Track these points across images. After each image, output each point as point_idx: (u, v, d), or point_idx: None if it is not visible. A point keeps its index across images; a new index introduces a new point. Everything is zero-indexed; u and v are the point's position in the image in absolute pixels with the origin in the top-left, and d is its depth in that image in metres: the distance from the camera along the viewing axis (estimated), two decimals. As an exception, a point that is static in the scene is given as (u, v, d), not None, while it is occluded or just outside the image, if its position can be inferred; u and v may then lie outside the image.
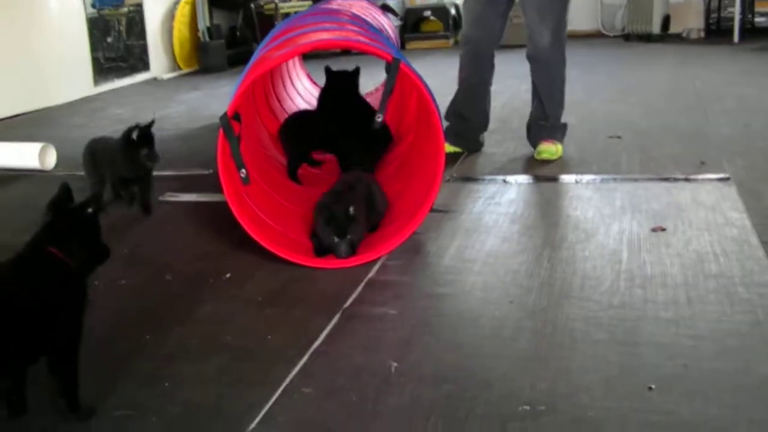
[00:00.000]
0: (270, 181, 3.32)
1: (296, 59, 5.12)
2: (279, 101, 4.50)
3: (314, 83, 5.12)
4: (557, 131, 3.92)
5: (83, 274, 1.86)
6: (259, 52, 3.30)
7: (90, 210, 1.90)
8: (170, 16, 7.87)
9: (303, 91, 4.93)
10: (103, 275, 2.69)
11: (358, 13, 4.10)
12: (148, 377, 2.05)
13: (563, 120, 3.97)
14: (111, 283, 2.67)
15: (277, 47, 3.05)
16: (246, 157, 2.81)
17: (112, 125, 5.42)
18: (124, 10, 7.62)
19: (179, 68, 7.95)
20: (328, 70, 3.82)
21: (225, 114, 2.67)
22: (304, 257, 2.74)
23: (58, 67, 6.46)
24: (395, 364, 2.03)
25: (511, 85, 5.75)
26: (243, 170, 2.74)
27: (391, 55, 2.75)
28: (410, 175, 3.23)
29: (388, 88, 2.77)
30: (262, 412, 1.84)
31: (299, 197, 3.29)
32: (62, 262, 1.80)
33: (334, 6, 4.47)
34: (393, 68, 2.74)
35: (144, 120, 3.36)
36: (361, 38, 3.08)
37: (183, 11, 7.95)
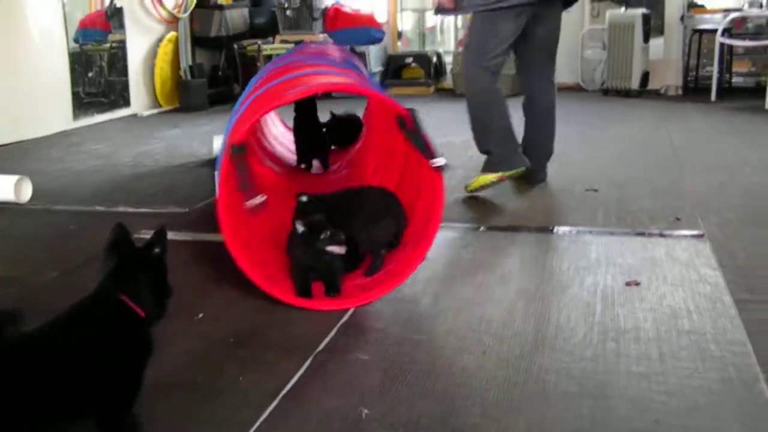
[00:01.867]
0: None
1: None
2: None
3: (287, 127, 5.16)
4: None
5: (152, 324, 1.75)
6: (252, 90, 3.28)
7: (157, 250, 1.76)
8: (153, 53, 7.89)
9: (280, 137, 4.96)
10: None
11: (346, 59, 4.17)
12: (115, 416, 2.02)
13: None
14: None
15: (285, 83, 3.05)
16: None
17: (90, 160, 5.43)
18: (107, 46, 7.64)
19: (160, 105, 7.95)
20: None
21: (241, 145, 2.65)
22: (301, 300, 2.74)
23: (38, 100, 6.45)
24: (366, 410, 2.01)
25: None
26: (249, 202, 2.73)
27: (406, 109, 2.74)
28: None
29: (418, 137, 2.74)
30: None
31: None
32: (133, 311, 1.69)
33: (323, 51, 4.52)
34: (413, 118, 2.73)
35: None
36: (370, 86, 3.09)
37: (165, 49, 7.97)
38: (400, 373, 2.23)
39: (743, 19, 8.42)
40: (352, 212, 2.89)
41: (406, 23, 9.80)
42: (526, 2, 4.03)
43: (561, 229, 3.54)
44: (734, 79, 8.48)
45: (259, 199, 2.73)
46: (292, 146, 4.67)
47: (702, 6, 8.61)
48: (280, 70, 3.50)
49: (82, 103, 7.12)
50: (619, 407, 2.02)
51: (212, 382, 2.20)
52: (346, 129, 4.86)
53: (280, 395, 2.10)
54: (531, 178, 4.33)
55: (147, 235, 3.49)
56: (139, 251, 1.76)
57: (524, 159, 4.19)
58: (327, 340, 2.45)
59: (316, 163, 4.54)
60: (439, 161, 2.74)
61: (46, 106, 6.58)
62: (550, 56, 4.39)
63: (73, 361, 1.59)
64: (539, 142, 4.41)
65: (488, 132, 4.17)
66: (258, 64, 8.22)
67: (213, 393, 2.13)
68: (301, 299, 2.72)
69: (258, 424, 1.96)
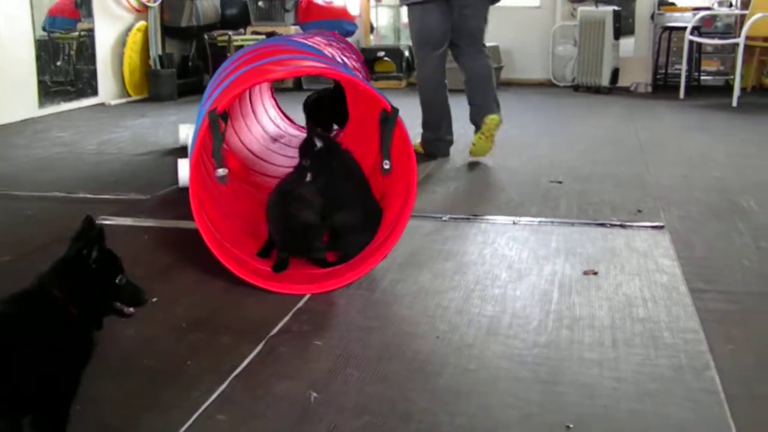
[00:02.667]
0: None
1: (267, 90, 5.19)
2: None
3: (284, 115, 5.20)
4: None
5: (87, 325, 1.67)
6: (237, 65, 3.23)
7: (86, 251, 1.68)
8: (122, 42, 7.80)
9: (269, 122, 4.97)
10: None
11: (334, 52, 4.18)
12: (60, 398, 1.99)
13: None
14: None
15: (274, 64, 3.02)
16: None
17: (53, 147, 5.37)
18: (75, 34, 7.55)
19: (128, 95, 7.87)
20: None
21: (214, 110, 2.61)
22: (272, 283, 2.72)
23: (2, 87, 6.35)
24: (315, 394, 2.00)
25: (457, 128, 5.79)
26: (222, 169, 2.72)
27: (390, 105, 2.74)
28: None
29: (388, 137, 2.76)
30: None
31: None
32: (65, 309, 1.61)
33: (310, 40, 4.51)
34: (392, 118, 2.74)
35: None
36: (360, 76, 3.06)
37: (135, 38, 7.89)
38: (352, 357, 2.22)
39: (713, 18, 8.49)
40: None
41: (381, 18, 9.78)
42: None
43: (523, 219, 3.54)
44: (703, 78, 8.54)
45: (222, 171, 2.72)
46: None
47: (672, 4, 8.66)
48: (267, 50, 3.47)
49: (48, 91, 7.04)
50: (569, 393, 2.01)
51: (162, 366, 2.17)
52: (337, 102, 4.82)
53: (230, 378, 2.08)
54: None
55: (107, 221, 3.49)
56: (84, 248, 1.68)
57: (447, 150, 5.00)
58: (281, 324, 2.43)
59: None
60: (387, 164, 2.79)
61: (11, 94, 6.49)
62: (479, 38, 4.87)
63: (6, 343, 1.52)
64: (480, 104, 4.86)
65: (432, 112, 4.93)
66: (228, 54, 8.16)
67: (162, 376, 2.11)
68: (266, 281, 2.70)
69: (205, 406, 1.94)
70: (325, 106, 4.98)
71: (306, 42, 3.93)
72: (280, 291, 2.68)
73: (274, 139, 4.76)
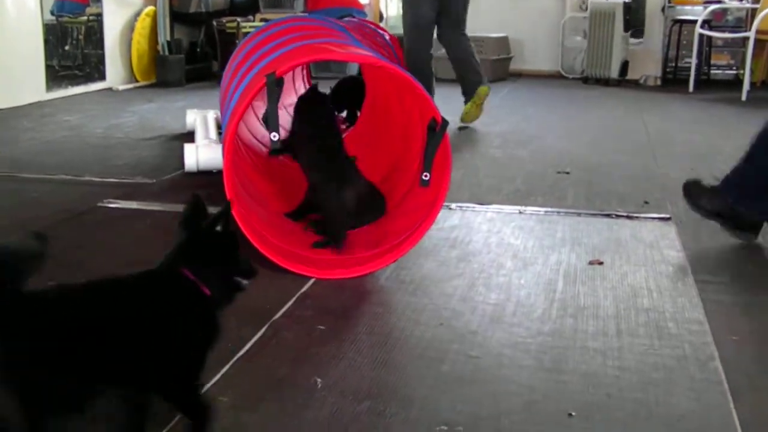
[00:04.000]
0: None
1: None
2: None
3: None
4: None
5: (219, 305, 1.65)
6: (274, 43, 3.19)
7: (221, 227, 1.65)
8: (130, 27, 7.80)
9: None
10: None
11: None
12: (63, 378, 1.99)
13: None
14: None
15: (334, 45, 2.99)
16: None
17: (60, 131, 5.37)
18: (84, 18, 7.55)
19: (136, 80, 7.87)
20: None
21: (273, 73, 2.56)
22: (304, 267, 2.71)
23: (10, 71, 6.36)
24: (318, 378, 1.99)
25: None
26: (275, 134, 2.68)
27: (441, 116, 2.70)
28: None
29: (433, 148, 2.73)
30: (176, 418, 1.79)
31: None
32: (198, 289, 1.59)
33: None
34: (441, 130, 2.70)
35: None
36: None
37: (143, 24, 7.89)
38: (355, 343, 2.21)
39: (723, 11, 8.44)
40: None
41: (391, 8, 9.76)
42: None
43: (529, 209, 3.53)
44: (713, 71, 8.51)
45: (275, 135, 2.69)
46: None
47: (684, -3, 8.62)
48: (315, 30, 3.46)
49: (56, 76, 7.04)
50: (572, 381, 2.01)
51: (165, 348, 2.16)
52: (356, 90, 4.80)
53: (232, 361, 2.08)
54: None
55: (112, 204, 3.49)
56: (208, 227, 1.66)
57: None
58: (284, 309, 2.42)
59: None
60: (427, 176, 2.76)
61: (19, 77, 6.49)
62: (460, 20, 5.60)
63: (121, 322, 1.51)
64: (465, 78, 5.61)
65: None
66: (237, 41, 8.15)
67: (164, 358, 2.10)
68: (287, 260, 2.70)
69: (208, 386, 1.93)
70: (344, 94, 4.95)
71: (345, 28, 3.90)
72: (296, 271, 2.68)
73: None
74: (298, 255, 2.77)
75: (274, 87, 2.59)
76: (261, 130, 4.34)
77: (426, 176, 2.76)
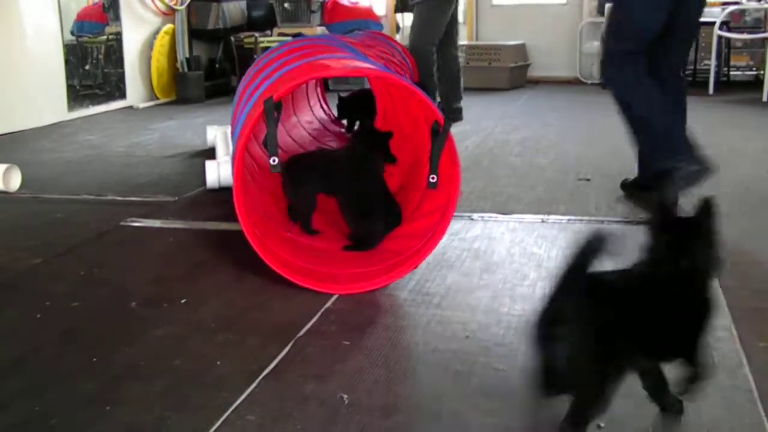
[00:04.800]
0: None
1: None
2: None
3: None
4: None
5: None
6: (277, 64, 3.22)
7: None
8: (149, 45, 7.87)
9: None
10: (55, 295, 2.70)
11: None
12: (92, 398, 2.00)
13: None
14: (63, 303, 2.63)
15: (330, 61, 3.03)
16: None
17: (82, 150, 5.42)
18: (103, 38, 7.62)
19: (156, 98, 7.93)
20: None
21: (270, 98, 2.60)
22: (322, 284, 2.72)
23: (32, 91, 6.43)
24: (345, 394, 1.99)
25: (486, 126, 5.79)
26: (274, 158, 2.72)
27: (443, 117, 2.72)
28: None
29: (438, 150, 2.74)
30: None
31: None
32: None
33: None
34: (443, 131, 2.72)
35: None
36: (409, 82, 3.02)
37: (162, 41, 7.96)
38: (381, 357, 2.21)
39: (741, 13, 8.40)
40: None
41: (407, 19, 9.77)
42: None
43: (552, 217, 3.52)
44: (732, 73, 8.46)
45: (274, 160, 2.72)
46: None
47: (701, -1, 8.56)
48: (317, 47, 3.49)
49: (77, 95, 7.10)
50: (600, 392, 1.99)
51: (191, 367, 2.17)
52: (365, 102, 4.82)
53: (258, 379, 2.08)
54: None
55: (135, 222, 3.51)
56: (693, 222, 1.84)
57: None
58: (309, 325, 2.43)
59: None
60: (434, 178, 2.77)
61: (40, 98, 6.56)
62: (457, 40, 6.26)
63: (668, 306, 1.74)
64: (450, 95, 6.12)
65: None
66: (255, 56, 8.19)
67: (191, 377, 2.11)
68: (304, 278, 2.72)
69: (234, 407, 1.94)
70: (355, 105, 5.01)
71: (348, 44, 3.92)
72: (318, 289, 2.68)
73: (314, 138, 4.78)
74: (317, 272, 2.77)
75: (272, 112, 2.62)
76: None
77: (433, 179, 2.77)
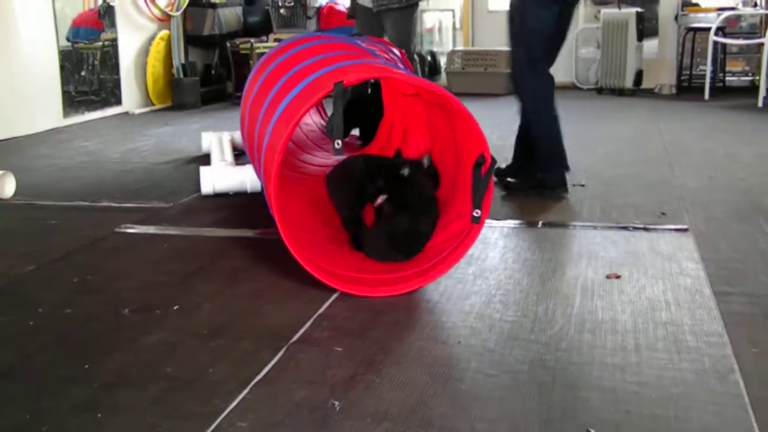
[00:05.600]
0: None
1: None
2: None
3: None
4: None
5: None
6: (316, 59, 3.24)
7: None
8: (145, 51, 7.86)
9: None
10: (48, 302, 2.70)
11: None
12: (83, 405, 2.00)
13: None
14: (56, 310, 2.63)
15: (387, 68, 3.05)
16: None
17: (77, 156, 5.42)
18: (99, 44, 7.62)
19: (152, 104, 7.93)
20: None
21: (341, 82, 2.61)
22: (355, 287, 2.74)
23: (27, 98, 6.42)
24: (336, 401, 1.99)
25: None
26: (339, 142, 2.71)
27: (491, 154, 2.73)
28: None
29: (483, 187, 2.74)
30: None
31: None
32: None
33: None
34: (489, 170, 2.72)
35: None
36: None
37: (158, 47, 7.95)
38: (372, 363, 2.21)
39: (737, 18, 8.42)
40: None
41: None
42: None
43: (545, 223, 3.52)
44: (728, 78, 8.48)
45: (339, 143, 2.71)
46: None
47: (696, 4, 8.59)
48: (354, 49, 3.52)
49: (73, 101, 7.10)
50: (590, 398, 2.00)
51: (183, 373, 2.17)
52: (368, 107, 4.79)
53: (250, 385, 2.08)
54: None
55: (129, 229, 3.51)
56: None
57: None
58: (302, 331, 2.43)
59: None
60: (478, 213, 2.75)
61: (36, 104, 6.55)
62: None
63: None
64: None
65: None
66: (251, 62, 8.21)
67: (183, 384, 2.11)
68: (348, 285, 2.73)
69: (225, 413, 1.94)
70: (353, 110, 4.91)
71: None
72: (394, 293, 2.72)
73: (318, 146, 4.78)
74: (345, 276, 2.79)
75: (342, 96, 2.62)
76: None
77: (477, 213, 2.75)
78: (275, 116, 2.87)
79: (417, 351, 2.31)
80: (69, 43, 7.22)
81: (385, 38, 5.52)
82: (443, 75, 9.13)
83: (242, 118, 3.88)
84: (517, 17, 4.07)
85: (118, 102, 7.63)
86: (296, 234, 2.81)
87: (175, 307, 2.64)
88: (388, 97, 4.26)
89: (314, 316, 2.53)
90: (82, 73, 7.50)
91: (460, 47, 9.36)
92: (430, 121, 3.55)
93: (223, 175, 4.07)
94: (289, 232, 2.67)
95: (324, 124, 5.32)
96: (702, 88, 7.84)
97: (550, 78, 4.13)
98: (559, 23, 3.99)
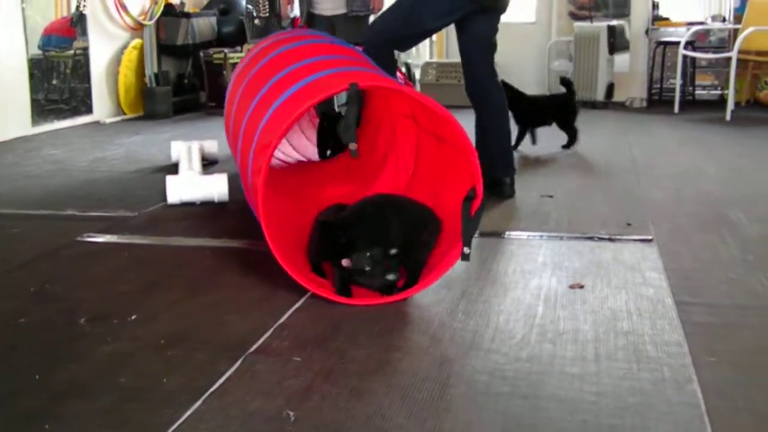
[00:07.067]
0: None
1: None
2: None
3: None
4: None
5: None
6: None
7: None
8: (117, 60, 7.80)
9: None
10: (3, 311, 2.66)
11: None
12: (30, 416, 1.96)
13: None
14: (9, 320, 2.58)
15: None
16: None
17: (44, 165, 5.36)
18: (71, 52, 7.56)
19: (124, 113, 7.86)
20: None
21: (356, 84, 2.59)
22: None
23: (-6, 106, 6.36)
24: (291, 411, 1.97)
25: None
26: (354, 144, 2.69)
27: (483, 189, 2.71)
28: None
29: (473, 224, 2.73)
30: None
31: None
32: None
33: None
34: (482, 206, 2.73)
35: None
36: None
37: (130, 56, 7.90)
38: (331, 374, 2.18)
39: (706, 33, 8.49)
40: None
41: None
42: None
43: (511, 234, 3.52)
44: (698, 92, 8.55)
45: (353, 145, 2.69)
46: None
47: (667, 19, 8.66)
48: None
49: (42, 110, 7.03)
50: (548, 408, 1.98)
51: (136, 383, 2.14)
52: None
53: (204, 396, 2.05)
54: None
55: (91, 238, 3.46)
56: None
57: None
58: (261, 341, 2.40)
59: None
60: (467, 251, 2.74)
61: (3, 112, 6.48)
62: None
63: None
64: None
65: None
66: (224, 72, 8.18)
67: (135, 394, 2.07)
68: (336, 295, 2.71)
69: (177, 424, 1.91)
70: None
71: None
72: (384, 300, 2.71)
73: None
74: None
75: (358, 97, 2.60)
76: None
77: (467, 250, 2.74)
78: (269, 112, 2.85)
79: (376, 361, 2.28)
80: (40, 51, 7.15)
81: None
82: (417, 87, 9.14)
83: (228, 114, 3.85)
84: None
85: (89, 111, 7.56)
86: (281, 236, 2.79)
87: (133, 317, 2.60)
88: (377, 115, 4.22)
89: (274, 326, 2.51)
90: (53, 82, 7.43)
91: (434, 59, 9.38)
92: (420, 146, 3.53)
93: (190, 184, 4.04)
94: (274, 233, 2.66)
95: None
96: (672, 102, 7.90)
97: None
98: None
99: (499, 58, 8.73)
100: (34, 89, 6.87)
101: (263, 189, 2.64)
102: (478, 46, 4.16)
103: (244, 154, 2.99)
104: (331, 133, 4.54)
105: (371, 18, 5.73)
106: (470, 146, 2.73)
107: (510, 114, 4.46)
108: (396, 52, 5.20)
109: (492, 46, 4.19)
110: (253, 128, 2.94)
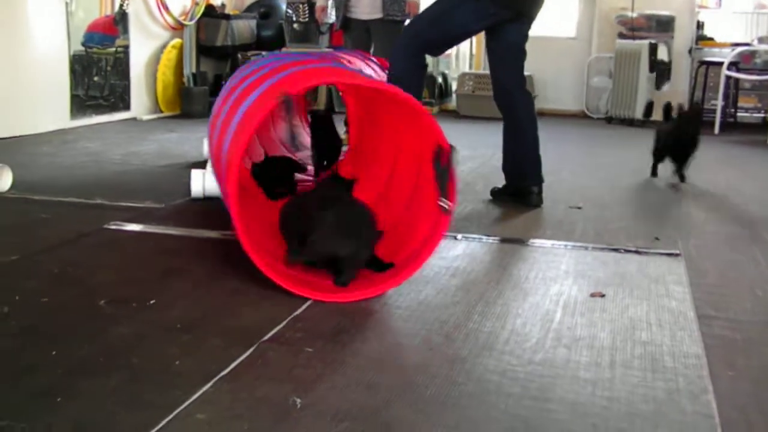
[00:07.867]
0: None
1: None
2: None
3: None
4: None
5: None
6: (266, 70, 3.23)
7: None
8: (156, 59, 7.90)
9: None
10: (26, 290, 2.68)
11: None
12: (43, 391, 1.97)
13: None
14: (31, 300, 2.61)
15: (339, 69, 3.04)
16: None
17: (79, 156, 5.42)
18: (112, 50, 7.65)
19: (160, 111, 7.95)
20: None
21: (286, 93, 2.62)
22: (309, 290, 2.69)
23: (36, 99, 6.44)
24: (298, 398, 1.96)
25: (484, 153, 5.78)
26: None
27: (448, 143, 2.72)
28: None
29: (446, 176, 2.73)
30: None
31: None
32: None
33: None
34: (451, 157, 2.71)
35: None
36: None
37: (169, 55, 7.99)
38: (341, 365, 2.18)
39: (752, 54, 8.39)
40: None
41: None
42: None
43: (536, 242, 3.49)
44: (740, 114, 8.44)
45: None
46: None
47: (711, 39, 8.58)
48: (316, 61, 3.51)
49: (82, 104, 7.12)
50: (558, 410, 1.96)
51: (148, 365, 2.14)
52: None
53: (214, 380, 2.05)
54: None
55: (117, 226, 3.49)
56: None
57: None
58: (275, 330, 2.40)
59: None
60: (446, 203, 2.73)
61: (43, 105, 6.58)
62: None
63: None
64: None
65: None
66: (262, 75, 8.22)
67: (147, 375, 2.08)
68: (304, 288, 2.69)
69: (185, 405, 1.91)
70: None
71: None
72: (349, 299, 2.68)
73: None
74: (312, 282, 2.76)
75: (290, 104, 2.64)
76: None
77: (444, 202, 2.73)
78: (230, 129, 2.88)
79: (388, 356, 2.27)
80: (82, 48, 7.25)
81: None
82: (453, 97, 9.14)
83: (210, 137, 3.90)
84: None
85: (127, 107, 7.65)
86: (260, 242, 2.81)
87: (152, 302, 2.62)
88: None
89: (289, 318, 2.50)
90: (94, 78, 7.53)
91: (472, 70, 9.36)
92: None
93: (213, 179, 4.06)
94: (253, 241, 2.67)
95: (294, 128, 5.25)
96: (713, 123, 7.80)
97: None
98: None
99: (536, 72, 8.79)
100: (74, 84, 6.97)
101: (237, 206, 2.66)
102: (509, 53, 4.14)
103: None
104: (325, 134, 4.51)
105: (406, 23, 5.73)
106: (418, 105, 2.73)
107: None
108: (429, 59, 5.20)
109: (522, 54, 4.16)
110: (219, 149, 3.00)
